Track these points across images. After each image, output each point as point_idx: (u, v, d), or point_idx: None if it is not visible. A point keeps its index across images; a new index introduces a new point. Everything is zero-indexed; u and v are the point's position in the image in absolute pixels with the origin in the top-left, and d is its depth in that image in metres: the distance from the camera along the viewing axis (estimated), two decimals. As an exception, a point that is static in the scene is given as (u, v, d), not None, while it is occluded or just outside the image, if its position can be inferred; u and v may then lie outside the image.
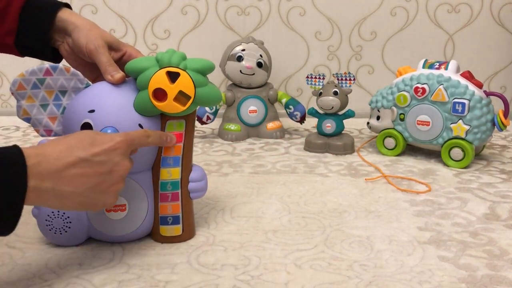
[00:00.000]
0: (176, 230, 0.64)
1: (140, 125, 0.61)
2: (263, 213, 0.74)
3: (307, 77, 1.08)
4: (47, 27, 0.68)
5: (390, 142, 1.03)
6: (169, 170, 0.63)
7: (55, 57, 0.72)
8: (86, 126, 0.60)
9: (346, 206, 0.77)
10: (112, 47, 0.68)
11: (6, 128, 1.25)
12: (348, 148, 1.05)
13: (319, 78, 1.07)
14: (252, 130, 1.18)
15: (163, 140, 0.62)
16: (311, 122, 1.24)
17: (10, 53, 0.72)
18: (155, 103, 0.60)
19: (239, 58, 1.15)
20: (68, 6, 0.71)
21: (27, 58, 0.73)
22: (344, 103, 1.05)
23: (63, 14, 0.68)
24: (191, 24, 1.33)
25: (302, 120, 1.18)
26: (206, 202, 0.78)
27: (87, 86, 0.64)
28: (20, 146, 0.49)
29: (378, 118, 1.04)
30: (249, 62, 1.15)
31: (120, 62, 0.67)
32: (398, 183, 0.87)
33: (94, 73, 0.69)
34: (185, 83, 0.60)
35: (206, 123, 1.17)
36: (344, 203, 0.78)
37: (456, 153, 0.95)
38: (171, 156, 0.63)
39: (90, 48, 0.65)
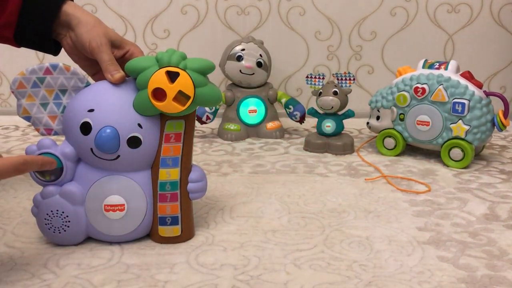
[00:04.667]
0: (175, 230, 0.64)
1: (140, 125, 0.61)
2: (262, 213, 0.74)
3: (307, 77, 1.08)
4: (51, 20, 0.67)
5: (389, 142, 1.03)
6: (168, 170, 0.63)
7: (55, 50, 0.72)
8: (85, 125, 0.60)
9: (346, 206, 0.77)
10: (115, 44, 0.68)
11: (6, 127, 1.25)
12: (348, 148, 1.05)
13: (319, 78, 1.07)
14: (252, 130, 1.18)
15: (40, 166, 0.57)
16: (310, 122, 1.24)
17: (6, 44, 0.71)
18: (155, 103, 0.60)
19: (239, 58, 1.15)
20: None
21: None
22: (343, 103, 1.05)
23: (68, 8, 0.68)
24: (191, 24, 1.33)
25: (301, 120, 1.18)
26: (205, 202, 0.78)
27: (87, 85, 0.64)
28: None
29: (378, 118, 1.04)
30: (248, 62, 1.14)
31: (122, 60, 0.67)
32: (397, 183, 0.87)
33: (94, 68, 0.69)
34: (184, 83, 0.60)
35: (205, 123, 1.17)
36: (343, 203, 0.78)
37: (456, 153, 0.95)
38: (170, 157, 0.63)
39: (93, 45, 0.65)
